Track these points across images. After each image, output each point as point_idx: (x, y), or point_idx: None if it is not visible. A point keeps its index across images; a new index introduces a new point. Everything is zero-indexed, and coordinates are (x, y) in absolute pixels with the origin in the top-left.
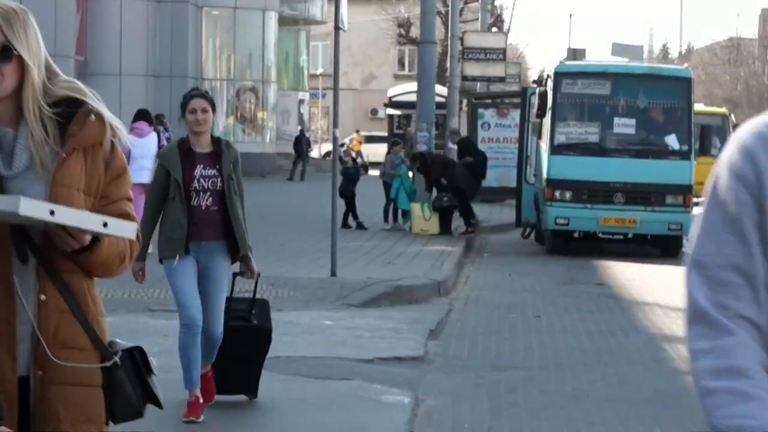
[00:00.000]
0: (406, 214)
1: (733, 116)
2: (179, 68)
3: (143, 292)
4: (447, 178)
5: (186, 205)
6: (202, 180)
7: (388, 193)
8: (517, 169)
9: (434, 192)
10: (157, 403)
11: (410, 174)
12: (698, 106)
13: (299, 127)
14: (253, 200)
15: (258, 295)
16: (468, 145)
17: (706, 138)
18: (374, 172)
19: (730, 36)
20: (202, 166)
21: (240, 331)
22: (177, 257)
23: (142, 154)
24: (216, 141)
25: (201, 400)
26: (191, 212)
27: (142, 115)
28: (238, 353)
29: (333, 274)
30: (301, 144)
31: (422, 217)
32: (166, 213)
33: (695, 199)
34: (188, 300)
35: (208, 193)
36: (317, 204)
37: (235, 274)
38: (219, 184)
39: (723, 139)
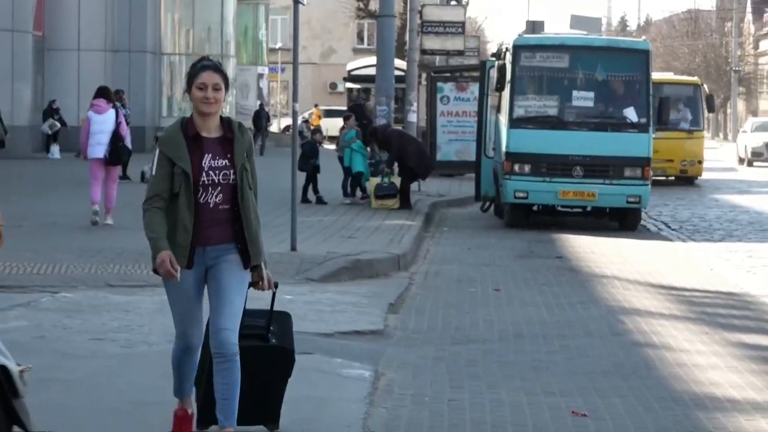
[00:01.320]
0: (362, 176)
1: (705, 86)
2: (138, 43)
3: (103, 267)
4: (398, 156)
5: (193, 202)
6: (211, 172)
7: (345, 167)
8: (476, 142)
9: (396, 167)
10: (23, 427)
11: (368, 149)
12: (669, 75)
13: (258, 102)
14: None
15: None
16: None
17: (664, 110)
18: (331, 147)
19: (688, 8)
20: (210, 155)
21: (256, 353)
22: (178, 269)
23: (100, 130)
24: (226, 123)
25: (190, 412)
26: (198, 212)
27: (101, 93)
28: (254, 378)
29: (293, 248)
30: (261, 118)
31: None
32: (166, 212)
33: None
34: (187, 317)
35: (219, 188)
36: (277, 179)
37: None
38: (231, 176)
39: (695, 110)
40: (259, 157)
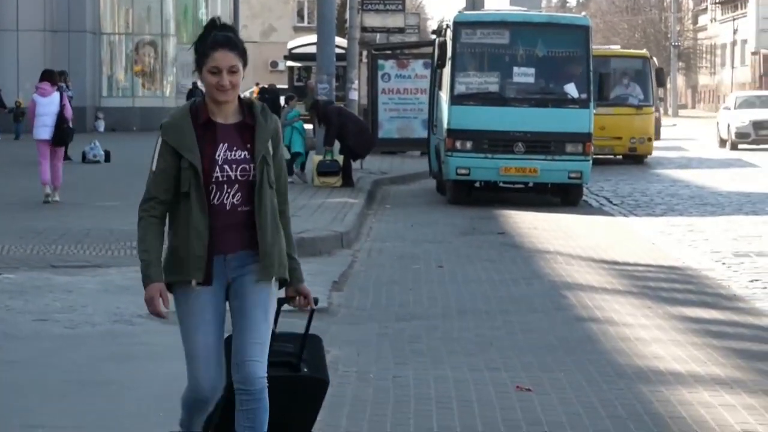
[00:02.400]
0: (299, 157)
1: (654, 59)
2: (77, 23)
3: (45, 248)
4: (338, 133)
5: (206, 203)
6: (227, 167)
7: (286, 146)
8: (428, 119)
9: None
10: None
11: (311, 126)
12: (616, 48)
13: (192, 80)
14: None
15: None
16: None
17: (605, 86)
18: None
19: None
20: (226, 145)
21: (286, 384)
22: (193, 283)
23: (46, 112)
24: (246, 107)
25: None
26: (213, 215)
27: (46, 76)
28: (283, 413)
29: None
30: (195, 96)
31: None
32: (173, 215)
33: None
34: (202, 361)
35: (236, 186)
36: None
37: (280, 302)
38: (252, 172)
39: (644, 85)
40: None
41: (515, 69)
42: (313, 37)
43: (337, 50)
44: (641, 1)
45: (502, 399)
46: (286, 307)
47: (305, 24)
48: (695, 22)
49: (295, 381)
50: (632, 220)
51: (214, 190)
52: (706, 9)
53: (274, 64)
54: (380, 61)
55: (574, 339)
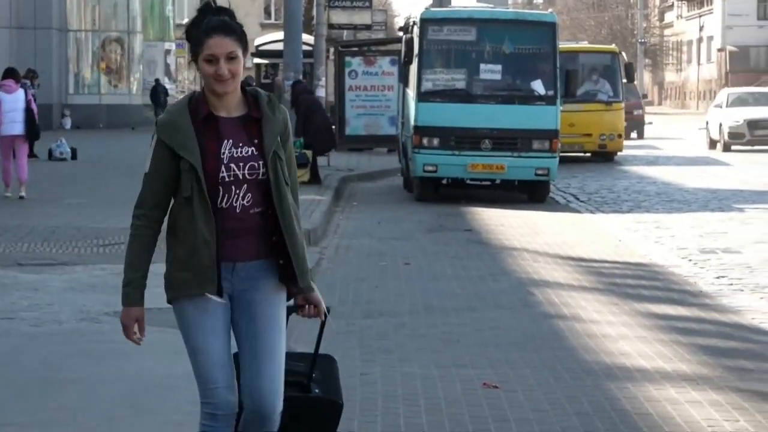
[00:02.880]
0: None
1: (624, 54)
2: (43, 20)
3: (12, 246)
4: (302, 124)
5: (211, 207)
6: (233, 165)
7: None
8: (397, 116)
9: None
10: None
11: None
12: (584, 44)
13: (155, 77)
14: (122, 151)
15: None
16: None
17: (571, 82)
18: None
19: None
20: (231, 141)
21: (296, 407)
22: (202, 296)
23: (12, 108)
24: (251, 98)
25: None
26: (221, 219)
27: (9, 74)
28: None
29: None
30: (158, 93)
31: None
32: (176, 223)
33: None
34: (215, 373)
35: (245, 186)
36: None
37: (289, 310)
38: (261, 170)
39: (613, 80)
40: None
41: (482, 66)
42: (280, 34)
43: (304, 47)
44: None
45: (470, 396)
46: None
47: (272, 21)
48: (661, 18)
49: (305, 402)
50: (599, 216)
51: (221, 192)
52: (672, 5)
53: None
54: (347, 58)
55: (541, 336)
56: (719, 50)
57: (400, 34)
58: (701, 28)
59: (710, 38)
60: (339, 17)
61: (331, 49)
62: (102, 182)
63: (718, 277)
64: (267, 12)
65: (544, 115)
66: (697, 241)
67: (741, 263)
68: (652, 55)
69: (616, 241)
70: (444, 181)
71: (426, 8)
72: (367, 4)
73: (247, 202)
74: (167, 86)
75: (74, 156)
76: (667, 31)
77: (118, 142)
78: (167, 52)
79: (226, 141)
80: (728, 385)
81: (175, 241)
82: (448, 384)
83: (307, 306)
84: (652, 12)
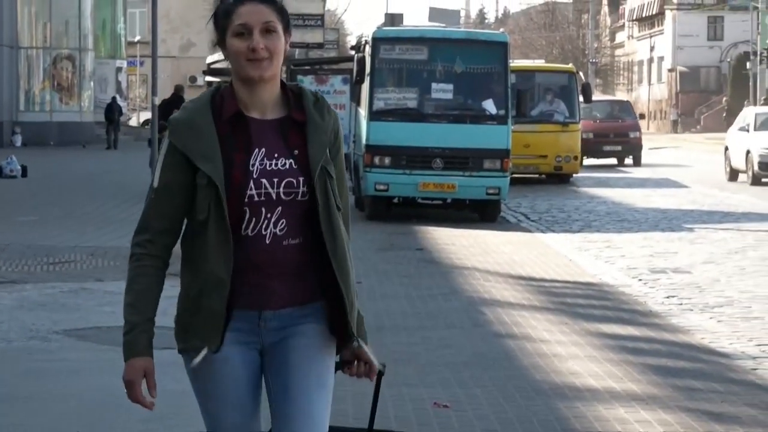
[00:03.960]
0: None
1: (581, 74)
2: None
3: None
4: None
5: (231, 235)
6: (265, 181)
7: None
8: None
9: None
10: None
11: None
12: (541, 63)
13: (113, 95)
14: (73, 169)
15: (77, 265)
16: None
17: (522, 102)
18: None
19: (545, 0)
20: (265, 150)
21: None
22: (205, 350)
23: None
24: (294, 95)
25: None
26: (244, 251)
27: None
28: None
29: None
30: (113, 111)
31: None
32: (190, 253)
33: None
34: (227, 413)
35: (279, 208)
36: (137, 172)
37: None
38: (301, 188)
39: (569, 100)
40: (114, 150)
41: (434, 85)
42: None
43: None
44: (559, 17)
45: (420, 416)
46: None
47: None
48: (612, 39)
49: None
50: (549, 236)
51: (247, 215)
52: (623, 26)
53: (193, 79)
54: (299, 77)
55: (491, 355)
56: (670, 70)
57: (352, 52)
58: (652, 49)
59: (661, 58)
60: (291, 36)
61: (283, 68)
62: (53, 200)
63: (667, 297)
64: None
65: (496, 134)
66: (647, 260)
67: (690, 283)
68: (603, 75)
69: (566, 261)
70: (395, 200)
71: (378, 27)
72: (319, 22)
73: (281, 229)
74: (119, 103)
75: (24, 173)
76: (618, 52)
77: (69, 159)
78: (119, 69)
79: (257, 150)
80: (677, 404)
81: (188, 274)
82: (398, 403)
83: (356, 362)
84: (603, 32)
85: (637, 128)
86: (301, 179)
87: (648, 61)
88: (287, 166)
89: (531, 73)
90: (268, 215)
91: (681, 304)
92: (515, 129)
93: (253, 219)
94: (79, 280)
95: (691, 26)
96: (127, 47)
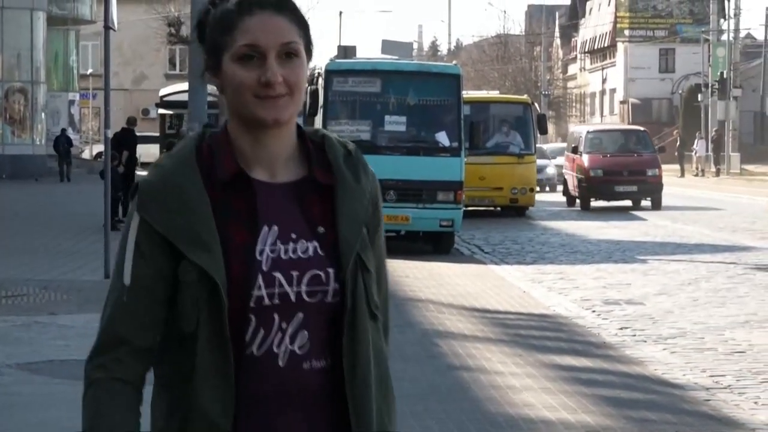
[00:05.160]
0: None
1: (537, 105)
2: None
3: None
4: None
5: (232, 354)
6: (280, 276)
7: None
8: None
9: None
10: None
11: None
12: (495, 94)
13: (62, 128)
14: (26, 202)
15: (30, 299)
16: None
17: (476, 134)
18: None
19: (498, 33)
20: (277, 228)
21: None
22: None
23: None
24: (316, 146)
25: None
26: (245, 378)
27: None
28: None
29: (106, 276)
30: (61, 143)
31: None
32: (166, 382)
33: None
34: None
35: (299, 316)
36: (90, 205)
37: None
38: (333, 284)
39: (525, 131)
40: (67, 183)
41: (387, 117)
42: (184, 85)
43: (209, 98)
44: (511, 50)
45: None
46: None
47: (177, 72)
48: (565, 71)
49: None
50: (503, 267)
51: (252, 326)
52: (575, 58)
53: (146, 112)
54: None
55: (445, 387)
56: (622, 102)
57: (305, 85)
58: (604, 81)
59: (613, 90)
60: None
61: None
62: (5, 233)
63: (621, 328)
64: (172, 63)
65: (449, 166)
66: (601, 292)
67: (644, 314)
68: (555, 107)
69: (520, 292)
70: None
71: (330, 59)
72: None
73: (301, 346)
74: (71, 136)
75: None
76: (570, 84)
77: (22, 192)
78: (71, 102)
79: (267, 228)
80: None
81: (164, 411)
82: None
83: None
84: (555, 64)
85: (656, 164)
86: (330, 271)
87: (600, 93)
88: (310, 251)
89: (486, 104)
90: (283, 326)
91: (634, 335)
92: (470, 161)
93: (261, 331)
94: (31, 313)
95: (643, 58)
96: (80, 80)
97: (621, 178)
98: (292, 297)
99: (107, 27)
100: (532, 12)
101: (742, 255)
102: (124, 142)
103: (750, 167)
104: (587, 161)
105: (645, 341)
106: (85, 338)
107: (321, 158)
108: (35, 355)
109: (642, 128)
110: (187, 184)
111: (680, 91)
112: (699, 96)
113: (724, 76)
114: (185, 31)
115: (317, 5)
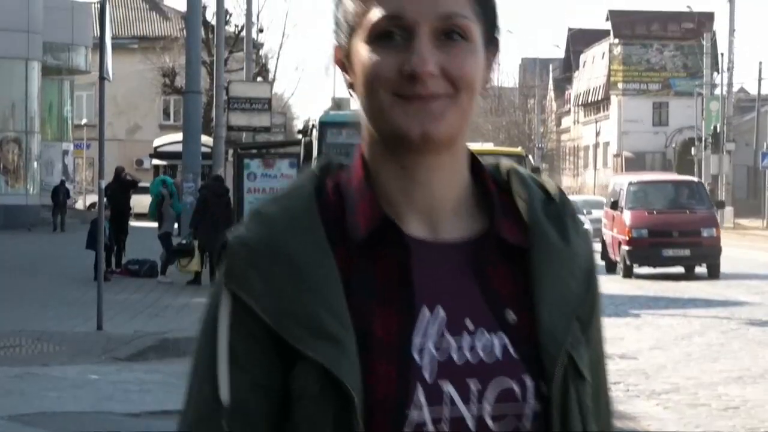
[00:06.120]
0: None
1: (531, 157)
2: None
3: None
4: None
5: None
6: (451, 389)
7: (167, 247)
8: None
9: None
10: None
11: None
12: (489, 146)
13: (61, 178)
14: (18, 252)
15: (22, 350)
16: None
17: None
18: (138, 224)
19: (491, 85)
20: (442, 310)
21: None
22: None
23: None
24: (498, 184)
25: None
26: None
27: None
28: None
29: (99, 327)
30: (59, 194)
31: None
32: None
33: None
34: None
35: None
36: (83, 255)
37: None
38: (532, 401)
39: None
40: (60, 233)
41: None
42: (178, 136)
43: (203, 149)
44: (505, 102)
45: None
46: None
47: (171, 122)
48: (558, 123)
49: None
50: None
51: None
52: (569, 111)
53: (140, 162)
54: (246, 160)
55: None
56: (615, 156)
57: (300, 136)
58: (598, 134)
59: (606, 144)
60: (238, 119)
61: (230, 151)
62: None
63: (614, 383)
64: (166, 113)
65: None
66: None
67: (637, 369)
68: (549, 160)
69: None
70: None
71: (325, 111)
72: (266, 106)
73: None
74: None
75: None
76: (564, 136)
77: (15, 242)
78: (65, 152)
79: (428, 311)
80: None
81: None
82: None
83: None
84: (549, 117)
85: (713, 223)
86: (528, 382)
87: (594, 145)
88: (497, 350)
89: (480, 157)
90: None
91: (628, 390)
92: None
93: None
94: (23, 364)
95: (637, 111)
96: (74, 130)
97: (670, 239)
98: (471, 424)
99: (102, 77)
100: (526, 65)
101: (736, 310)
102: (121, 197)
103: (743, 221)
104: (629, 219)
105: (638, 396)
106: (77, 389)
107: (508, 205)
108: (27, 407)
109: (696, 179)
110: (304, 244)
111: (674, 145)
112: (692, 150)
113: (718, 130)
114: (180, 81)
115: (311, 56)
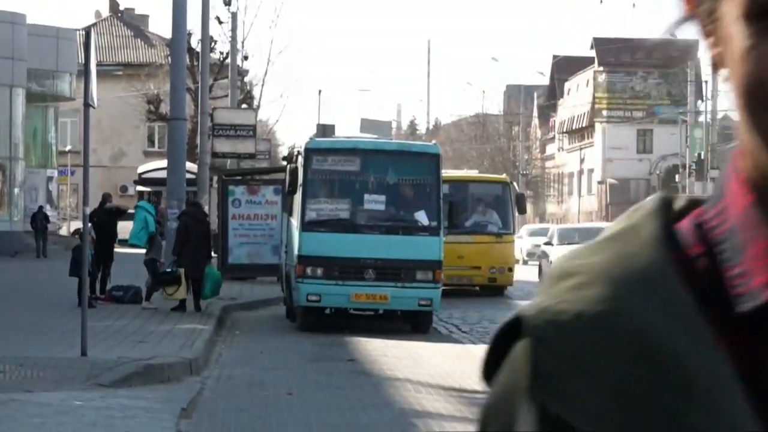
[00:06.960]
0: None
1: (515, 184)
2: None
3: None
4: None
5: None
6: None
7: (152, 272)
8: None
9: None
10: None
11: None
12: (474, 173)
13: (39, 205)
14: (1, 279)
15: (6, 376)
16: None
17: (454, 213)
18: (123, 250)
19: (476, 112)
20: None
21: None
22: None
23: None
24: None
25: None
26: None
27: None
28: None
29: (83, 353)
30: (37, 220)
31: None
32: None
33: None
34: None
35: None
36: (66, 282)
37: None
38: None
39: (503, 210)
40: (43, 259)
41: (366, 196)
42: (163, 162)
43: (188, 175)
44: (490, 129)
45: None
46: None
47: (155, 149)
48: (543, 150)
49: None
50: (481, 347)
51: None
52: (553, 138)
53: (124, 189)
54: (231, 187)
55: None
56: (600, 183)
57: (284, 163)
58: (582, 161)
59: (591, 171)
60: (223, 146)
61: (215, 178)
62: None
63: None
64: (150, 140)
65: (428, 245)
66: None
67: None
68: (533, 187)
69: None
70: (327, 311)
71: (310, 138)
72: (251, 133)
73: None
74: (48, 213)
75: None
76: (548, 163)
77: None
78: (49, 178)
79: None
80: None
81: None
82: None
83: None
84: (533, 144)
85: None
86: None
87: (578, 173)
88: None
89: (465, 184)
90: None
91: None
92: (449, 240)
93: None
94: (7, 390)
95: (621, 139)
96: (58, 156)
97: None
98: None
99: (87, 104)
100: (511, 92)
101: None
102: (109, 222)
103: None
104: None
105: None
106: (61, 415)
107: None
108: None
109: None
110: (674, 332)
111: (658, 172)
112: (677, 177)
113: (702, 157)
114: (164, 108)
115: (296, 83)
